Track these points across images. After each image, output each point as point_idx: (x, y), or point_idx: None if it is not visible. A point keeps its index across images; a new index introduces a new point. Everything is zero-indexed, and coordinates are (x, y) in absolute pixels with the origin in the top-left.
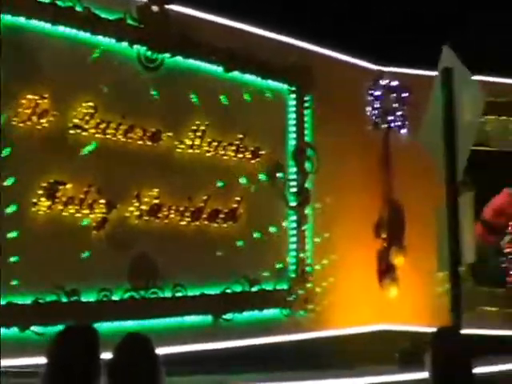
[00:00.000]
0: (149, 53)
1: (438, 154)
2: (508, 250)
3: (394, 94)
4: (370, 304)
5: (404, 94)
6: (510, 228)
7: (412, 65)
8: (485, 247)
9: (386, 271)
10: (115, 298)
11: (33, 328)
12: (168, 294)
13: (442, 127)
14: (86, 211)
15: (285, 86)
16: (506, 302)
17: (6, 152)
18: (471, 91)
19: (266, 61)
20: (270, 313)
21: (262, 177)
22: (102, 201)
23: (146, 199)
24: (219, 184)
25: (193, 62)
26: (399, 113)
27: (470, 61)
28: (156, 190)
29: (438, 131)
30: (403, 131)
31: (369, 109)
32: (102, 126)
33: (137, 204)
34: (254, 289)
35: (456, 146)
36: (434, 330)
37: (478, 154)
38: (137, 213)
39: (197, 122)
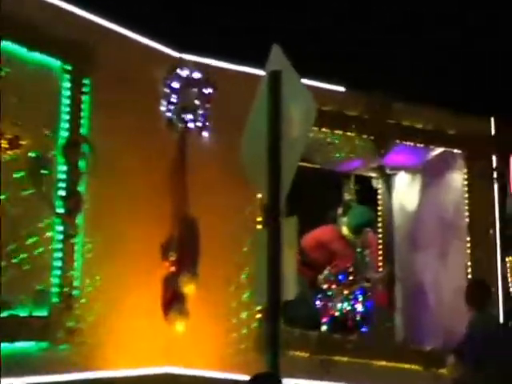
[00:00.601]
0: None
1: (258, 169)
2: (326, 287)
3: (196, 89)
4: (152, 340)
5: (208, 90)
6: (328, 266)
7: (220, 56)
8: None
9: (172, 301)
10: None
11: None
12: None
13: (266, 139)
14: None
15: (58, 63)
16: (318, 348)
17: None
18: (302, 99)
19: (35, 28)
20: (23, 345)
21: (21, 173)
22: None
23: None
24: None
25: None
26: (201, 111)
27: (296, 63)
28: None
29: (261, 143)
30: (204, 134)
31: (164, 103)
32: None
33: None
34: (4, 314)
35: (281, 162)
36: (248, 376)
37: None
38: None
39: None
